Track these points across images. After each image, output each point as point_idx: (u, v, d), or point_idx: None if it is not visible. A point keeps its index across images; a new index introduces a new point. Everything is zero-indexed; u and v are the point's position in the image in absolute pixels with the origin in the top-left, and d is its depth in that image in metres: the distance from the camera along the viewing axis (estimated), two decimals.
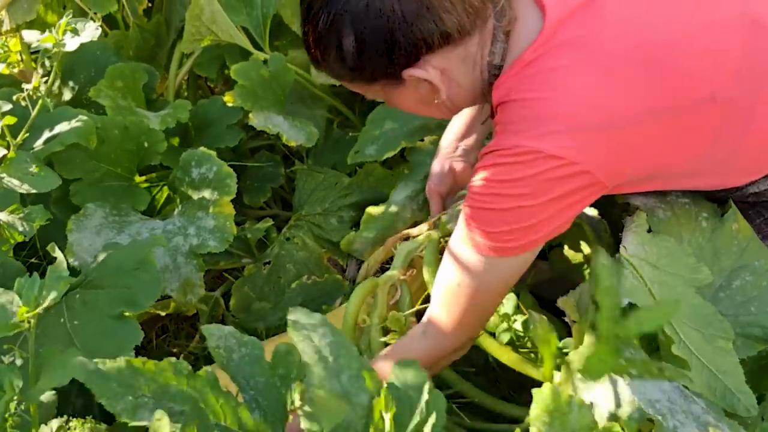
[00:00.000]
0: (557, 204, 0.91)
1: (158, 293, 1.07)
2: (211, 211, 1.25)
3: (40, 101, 1.02)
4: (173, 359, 0.76)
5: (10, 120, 1.00)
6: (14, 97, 1.11)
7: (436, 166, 1.40)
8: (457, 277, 0.99)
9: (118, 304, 1.07)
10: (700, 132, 0.95)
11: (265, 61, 1.48)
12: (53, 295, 0.78)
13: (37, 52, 1.02)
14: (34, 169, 1.02)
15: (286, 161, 1.78)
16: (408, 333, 1.10)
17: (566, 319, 1.27)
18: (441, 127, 1.52)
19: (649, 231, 1.02)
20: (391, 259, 1.32)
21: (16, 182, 1.01)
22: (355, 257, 1.52)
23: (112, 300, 1.08)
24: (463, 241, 0.97)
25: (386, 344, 1.14)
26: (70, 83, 1.55)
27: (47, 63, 1.05)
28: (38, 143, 1.30)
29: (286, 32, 1.64)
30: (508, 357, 1.12)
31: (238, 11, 1.52)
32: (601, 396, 0.84)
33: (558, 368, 0.92)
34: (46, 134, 1.32)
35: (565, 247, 1.37)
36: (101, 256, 1.17)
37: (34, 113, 1.04)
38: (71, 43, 1.03)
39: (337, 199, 1.54)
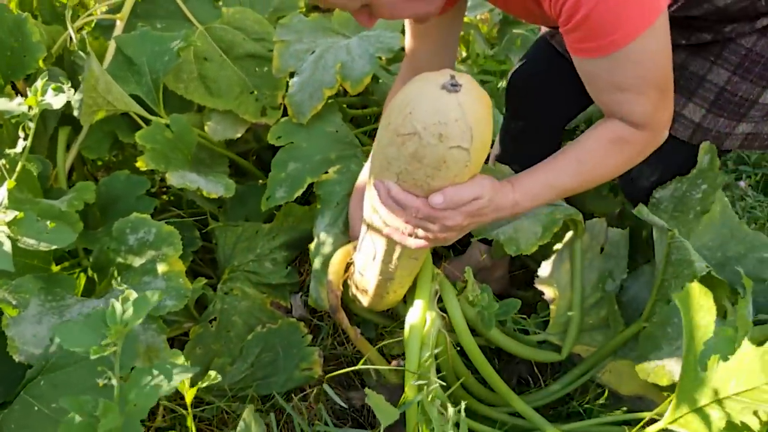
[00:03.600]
0: None
1: (137, 351, 1.04)
2: (161, 272, 1.22)
3: (19, 164, 0.97)
4: None
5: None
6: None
7: (357, 219, 1.43)
8: (640, 64, 0.99)
9: (95, 374, 1.02)
10: None
11: (166, 125, 1.48)
12: (141, 314, 0.75)
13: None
14: (49, 225, 0.95)
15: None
16: (606, 140, 1.09)
17: (545, 297, 1.41)
18: (341, 158, 1.60)
19: None
20: None
21: (32, 241, 0.94)
22: (296, 293, 1.54)
23: (87, 372, 1.03)
24: (626, 30, 0.95)
25: None
26: None
27: (30, 125, 1.00)
28: None
29: (172, 97, 1.65)
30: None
31: (127, 81, 1.52)
32: None
33: None
34: None
35: None
36: (57, 339, 1.11)
37: (14, 175, 0.98)
38: (56, 101, 0.99)
39: (266, 243, 1.56)
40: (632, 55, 0.96)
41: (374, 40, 1.59)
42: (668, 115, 1.08)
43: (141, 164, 1.40)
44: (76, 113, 1.50)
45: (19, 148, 1.03)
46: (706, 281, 1.13)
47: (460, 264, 1.63)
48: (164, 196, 1.96)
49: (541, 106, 1.50)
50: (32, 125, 1.00)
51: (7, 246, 0.89)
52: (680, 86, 1.24)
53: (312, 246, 1.46)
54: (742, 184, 1.82)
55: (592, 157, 1.09)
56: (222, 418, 1.36)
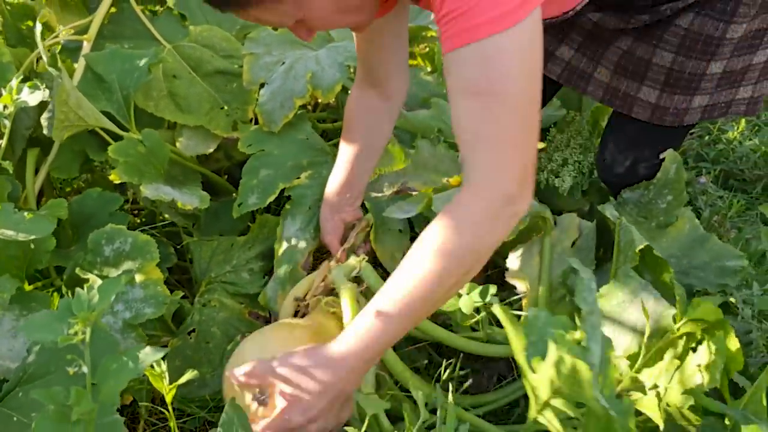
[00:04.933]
0: None
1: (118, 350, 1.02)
2: (138, 281, 1.22)
3: None
4: None
5: None
6: None
7: (326, 221, 1.48)
8: (482, 85, 0.85)
9: (76, 380, 1.00)
10: None
11: (139, 140, 1.48)
12: (108, 298, 0.74)
13: None
14: (27, 215, 0.95)
15: None
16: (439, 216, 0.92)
17: (517, 291, 1.43)
18: (312, 164, 1.61)
19: None
20: None
21: (10, 233, 0.93)
22: None
23: (66, 381, 1.01)
24: (468, 36, 0.83)
25: None
26: None
27: (6, 123, 1.00)
28: None
29: (143, 115, 1.65)
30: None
31: (97, 98, 1.52)
32: None
33: None
34: None
35: None
36: (35, 348, 1.09)
37: None
38: (32, 98, 0.99)
39: (242, 254, 1.56)
40: (511, 45, 0.85)
41: (342, 50, 1.63)
42: (531, 161, 0.90)
43: (114, 177, 1.39)
44: (45, 131, 1.50)
45: None
46: (647, 256, 1.18)
47: None
48: (137, 219, 1.95)
49: None
50: (8, 123, 1.00)
51: None
52: (631, 72, 1.30)
53: (279, 248, 1.46)
54: (702, 179, 1.88)
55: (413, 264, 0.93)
56: (204, 429, 1.35)
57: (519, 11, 0.82)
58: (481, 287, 1.35)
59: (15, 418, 0.99)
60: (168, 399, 0.91)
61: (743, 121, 2.04)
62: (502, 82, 0.85)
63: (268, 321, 1.52)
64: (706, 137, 2.09)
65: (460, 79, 0.87)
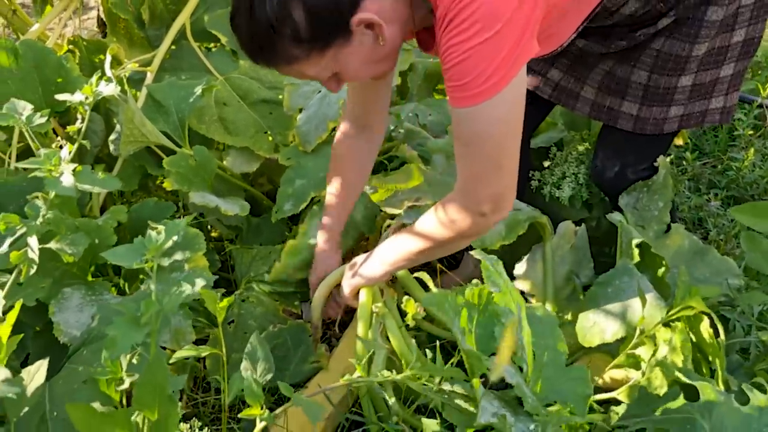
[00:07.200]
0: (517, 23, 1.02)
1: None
2: (188, 267, 1.40)
3: (77, 143, 1.18)
4: None
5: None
6: (53, 144, 1.24)
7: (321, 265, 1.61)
8: (468, 138, 1.11)
9: None
10: None
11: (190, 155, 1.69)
12: (171, 237, 0.92)
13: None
14: (100, 175, 1.15)
15: None
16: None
17: (524, 295, 1.57)
18: None
19: None
20: None
21: (88, 187, 1.13)
22: (306, 301, 1.69)
23: None
24: (464, 101, 1.06)
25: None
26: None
27: (87, 109, 1.23)
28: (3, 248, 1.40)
29: (195, 137, 1.87)
30: None
31: (156, 121, 1.74)
32: None
33: None
34: (8, 240, 1.41)
35: None
36: (97, 317, 1.28)
37: (72, 151, 1.18)
38: (107, 89, 1.20)
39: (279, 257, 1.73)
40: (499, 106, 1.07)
41: None
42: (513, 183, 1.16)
43: (167, 184, 1.60)
44: (112, 149, 1.73)
45: (77, 125, 1.23)
46: (646, 256, 1.30)
47: (455, 276, 1.79)
48: None
49: None
50: (88, 110, 1.22)
51: (71, 180, 1.09)
52: (613, 89, 1.47)
53: (295, 242, 1.65)
54: (712, 203, 2.00)
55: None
56: (239, 408, 1.49)
57: (502, 82, 1.04)
58: None
59: (80, 368, 1.17)
60: (219, 319, 1.09)
61: (752, 149, 2.15)
62: (483, 138, 1.11)
63: (299, 317, 1.68)
64: (719, 166, 2.20)
65: (456, 129, 1.14)
